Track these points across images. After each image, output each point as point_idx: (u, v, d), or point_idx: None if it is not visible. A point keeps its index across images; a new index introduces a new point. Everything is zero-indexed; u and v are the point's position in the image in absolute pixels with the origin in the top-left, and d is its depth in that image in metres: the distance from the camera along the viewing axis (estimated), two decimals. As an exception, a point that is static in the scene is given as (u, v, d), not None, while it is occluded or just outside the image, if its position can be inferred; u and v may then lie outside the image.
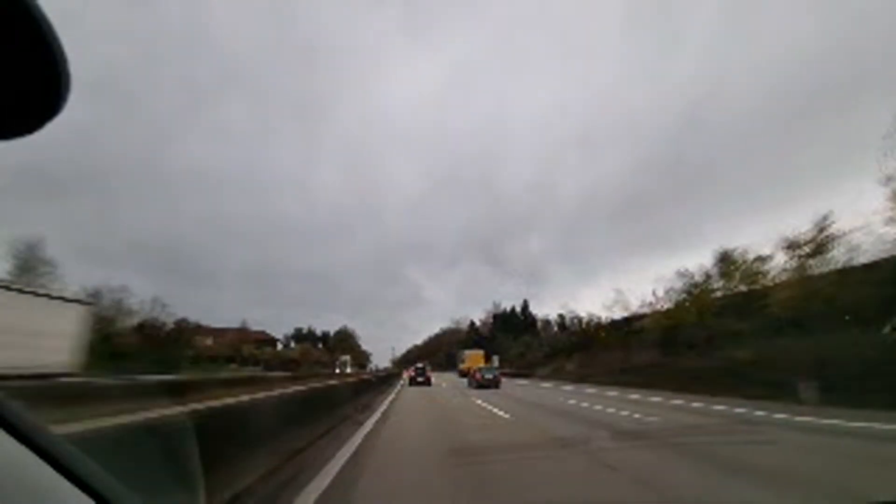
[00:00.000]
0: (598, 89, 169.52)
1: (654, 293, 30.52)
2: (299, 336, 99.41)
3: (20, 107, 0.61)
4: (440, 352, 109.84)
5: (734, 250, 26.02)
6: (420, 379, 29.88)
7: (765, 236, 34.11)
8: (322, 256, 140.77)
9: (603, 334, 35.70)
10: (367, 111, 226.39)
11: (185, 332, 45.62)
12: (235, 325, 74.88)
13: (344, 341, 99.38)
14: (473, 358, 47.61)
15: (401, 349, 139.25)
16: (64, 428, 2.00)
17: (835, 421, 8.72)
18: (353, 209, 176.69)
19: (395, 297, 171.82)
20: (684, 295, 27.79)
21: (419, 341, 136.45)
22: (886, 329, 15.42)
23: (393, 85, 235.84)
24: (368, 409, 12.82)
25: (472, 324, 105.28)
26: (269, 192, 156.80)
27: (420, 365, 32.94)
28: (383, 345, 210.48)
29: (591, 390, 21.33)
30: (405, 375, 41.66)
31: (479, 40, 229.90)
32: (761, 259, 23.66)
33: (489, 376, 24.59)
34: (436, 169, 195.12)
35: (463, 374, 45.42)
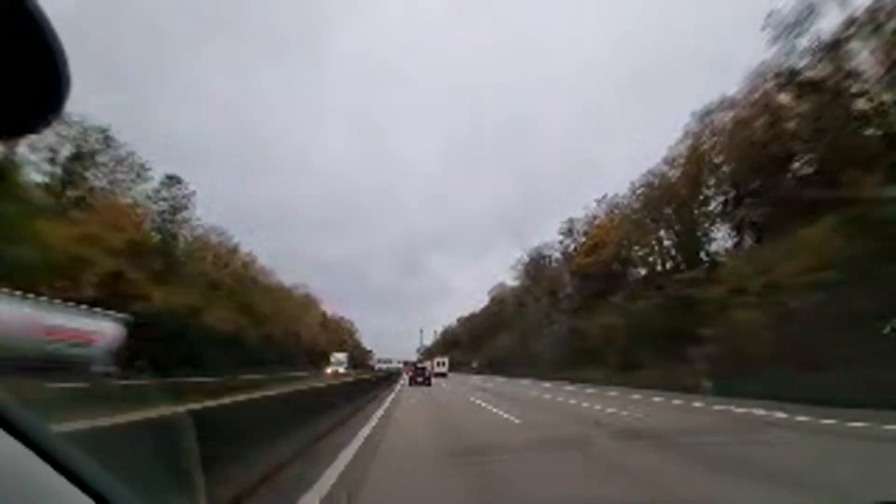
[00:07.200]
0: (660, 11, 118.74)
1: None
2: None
3: (20, 107, 0.61)
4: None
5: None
6: (419, 379, 29.64)
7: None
8: (329, 248, 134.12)
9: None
10: (369, 53, 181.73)
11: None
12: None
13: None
14: None
15: (435, 335, 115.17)
16: (63, 427, 2.00)
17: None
18: (370, 193, 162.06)
19: (418, 288, 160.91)
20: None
21: (460, 317, 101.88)
22: (887, 329, 15.40)
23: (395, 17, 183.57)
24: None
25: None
26: (267, 168, 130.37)
27: (421, 364, 32.94)
28: (404, 342, 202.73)
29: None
30: (405, 375, 41.35)
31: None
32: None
33: None
34: (455, 137, 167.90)
35: None
